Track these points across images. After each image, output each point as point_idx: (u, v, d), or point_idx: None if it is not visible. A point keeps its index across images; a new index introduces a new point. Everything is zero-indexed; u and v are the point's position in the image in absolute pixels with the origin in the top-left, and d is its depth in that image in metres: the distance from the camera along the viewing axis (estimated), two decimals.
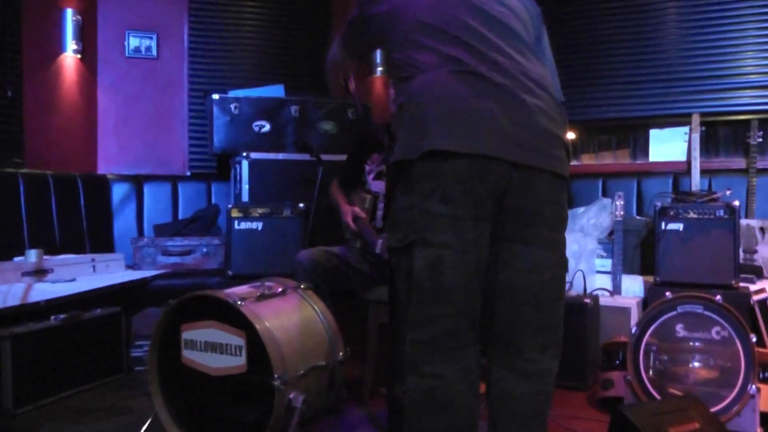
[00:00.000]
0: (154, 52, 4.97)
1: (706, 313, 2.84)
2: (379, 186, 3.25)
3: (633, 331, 2.95)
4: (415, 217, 1.67)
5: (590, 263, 3.88)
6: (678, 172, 4.41)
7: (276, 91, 4.72)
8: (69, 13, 4.55)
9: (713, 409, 2.64)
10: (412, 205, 1.68)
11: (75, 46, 4.59)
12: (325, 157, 3.66)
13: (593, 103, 4.74)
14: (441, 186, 1.64)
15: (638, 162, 4.74)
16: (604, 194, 4.43)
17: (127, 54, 4.92)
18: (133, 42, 4.93)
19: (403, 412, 1.82)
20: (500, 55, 1.71)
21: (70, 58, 4.59)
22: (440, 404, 1.69)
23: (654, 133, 4.70)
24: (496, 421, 1.82)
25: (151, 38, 4.95)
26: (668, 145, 4.62)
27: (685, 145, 4.45)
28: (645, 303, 3.65)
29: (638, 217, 4.22)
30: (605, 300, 3.67)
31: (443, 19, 1.74)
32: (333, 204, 3.36)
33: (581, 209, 4.15)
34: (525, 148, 1.67)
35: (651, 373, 2.90)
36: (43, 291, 3.41)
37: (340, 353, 2.64)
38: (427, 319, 1.69)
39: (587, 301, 3.43)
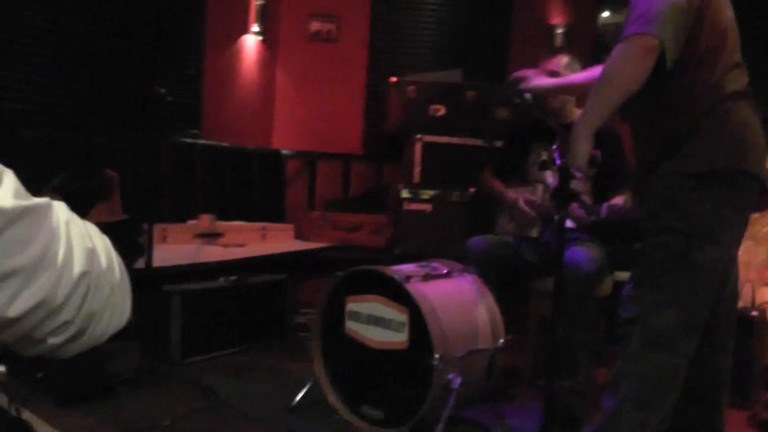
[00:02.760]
0: (335, 36, 5.12)
1: None
2: (544, 176, 3.17)
3: None
4: (705, 213, 1.88)
5: (761, 274, 3.67)
6: None
7: (453, 75, 4.72)
8: None
9: None
10: (703, 202, 1.88)
11: (257, 28, 4.84)
12: (498, 143, 3.63)
13: None
14: (735, 197, 1.91)
15: None
16: None
17: (308, 37, 5.09)
18: (315, 25, 5.09)
19: (558, 405, 1.94)
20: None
21: (251, 39, 4.86)
22: (678, 381, 1.92)
23: None
24: (718, 391, 2.12)
25: (332, 22, 5.10)
26: None
27: None
28: None
29: None
30: None
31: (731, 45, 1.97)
32: (492, 196, 3.28)
33: (755, 215, 3.91)
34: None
35: None
36: (214, 253, 3.62)
37: (501, 340, 2.64)
38: (696, 304, 1.90)
39: (755, 313, 3.26)
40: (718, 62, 1.91)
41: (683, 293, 1.89)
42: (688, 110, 1.91)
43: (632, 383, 1.90)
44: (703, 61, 1.90)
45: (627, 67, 1.85)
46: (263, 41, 4.94)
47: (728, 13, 1.99)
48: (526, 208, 3.06)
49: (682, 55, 1.87)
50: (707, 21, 1.91)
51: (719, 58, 1.91)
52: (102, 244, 0.76)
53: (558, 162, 2.10)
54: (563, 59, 3.14)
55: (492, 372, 2.63)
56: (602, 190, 3.03)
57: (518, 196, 3.11)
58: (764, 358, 3.32)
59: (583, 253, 2.81)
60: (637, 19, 1.84)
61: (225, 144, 4.54)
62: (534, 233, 3.06)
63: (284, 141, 5.09)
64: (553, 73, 3.01)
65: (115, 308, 0.77)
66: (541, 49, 5.29)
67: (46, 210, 0.68)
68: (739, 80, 1.95)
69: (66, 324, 0.70)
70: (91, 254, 0.72)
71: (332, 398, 2.67)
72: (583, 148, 1.97)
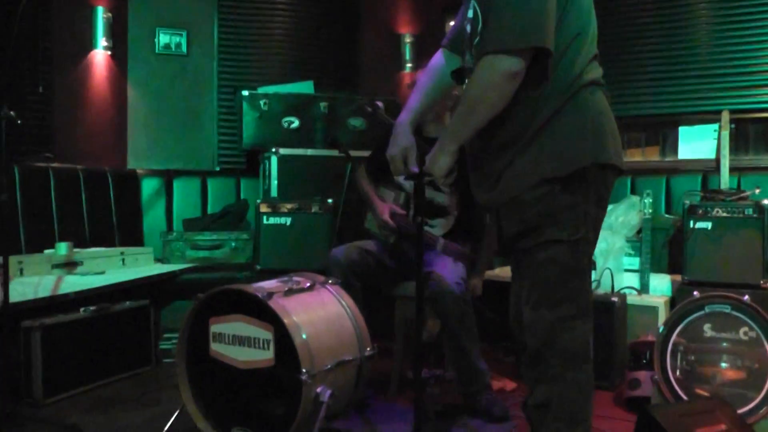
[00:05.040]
0: (184, 49, 4.99)
1: (734, 313, 2.82)
2: (405, 184, 3.23)
3: (660, 330, 2.93)
4: (580, 216, 1.83)
5: (618, 261, 3.85)
6: (707, 170, 4.35)
7: (305, 87, 4.75)
8: (100, 10, 4.60)
9: (740, 411, 2.61)
10: (576, 205, 1.82)
11: (106, 43, 4.64)
12: (353, 153, 3.65)
13: (622, 99, 4.68)
14: (599, 191, 1.85)
15: (667, 159, 4.69)
16: (633, 192, 4.38)
17: (157, 51, 4.94)
18: (164, 39, 4.95)
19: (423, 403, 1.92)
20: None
21: (100, 54, 4.65)
22: (593, 384, 1.92)
23: (683, 130, 4.64)
24: None
25: (181, 35, 4.97)
26: (698, 143, 4.57)
27: (715, 142, 4.40)
28: (673, 302, 3.62)
29: (667, 216, 4.18)
30: (633, 298, 3.65)
31: (590, 35, 1.88)
32: (362, 196, 3.34)
33: (610, 207, 4.11)
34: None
35: (678, 373, 2.87)
36: (73, 283, 3.46)
37: (368, 349, 2.65)
38: (589, 309, 1.89)
39: (614, 299, 3.42)
40: (581, 50, 1.82)
41: (581, 301, 1.86)
42: (544, 103, 1.80)
43: (560, 406, 1.85)
44: (567, 48, 1.80)
45: (491, 95, 1.75)
46: (112, 56, 4.74)
47: None
48: (391, 222, 3.13)
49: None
50: (576, 3, 1.82)
51: (582, 46, 1.83)
52: None
53: (416, 170, 2.09)
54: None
55: (361, 381, 2.63)
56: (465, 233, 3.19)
57: (385, 208, 3.16)
58: (625, 341, 3.50)
59: (450, 276, 2.92)
60: (510, 28, 1.69)
61: (79, 166, 4.33)
62: (392, 239, 3.13)
63: (139, 160, 4.91)
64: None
65: None
66: (390, 58, 5.40)
67: None
68: (596, 70, 1.88)
69: None
70: None
71: (202, 424, 2.60)
72: (443, 161, 1.91)
